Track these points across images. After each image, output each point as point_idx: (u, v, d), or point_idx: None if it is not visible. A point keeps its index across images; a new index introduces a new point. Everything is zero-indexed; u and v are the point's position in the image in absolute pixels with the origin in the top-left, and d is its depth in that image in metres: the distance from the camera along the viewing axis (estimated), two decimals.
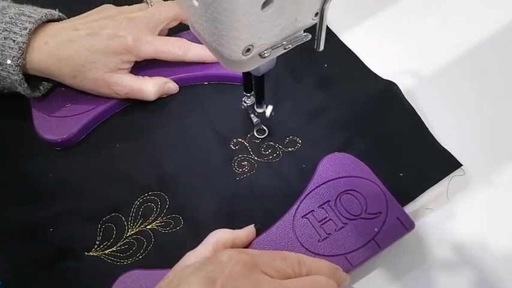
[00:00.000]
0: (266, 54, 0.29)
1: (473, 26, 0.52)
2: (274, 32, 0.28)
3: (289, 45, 0.30)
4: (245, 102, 0.41)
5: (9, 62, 0.39)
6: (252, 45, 0.27)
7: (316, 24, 0.29)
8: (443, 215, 0.40)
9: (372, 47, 0.50)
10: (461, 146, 0.43)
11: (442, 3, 0.55)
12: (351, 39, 0.51)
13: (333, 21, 0.52)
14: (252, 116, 0.43)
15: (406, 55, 0.50)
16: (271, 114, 0.41)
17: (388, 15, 0.54)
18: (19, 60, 0.39)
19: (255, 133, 0.44)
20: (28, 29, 0.39)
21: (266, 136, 0.44)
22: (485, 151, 0.44)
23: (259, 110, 0.41)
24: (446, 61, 0.50)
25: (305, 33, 0.30)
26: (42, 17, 0.41)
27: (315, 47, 0.30)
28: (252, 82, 0.38)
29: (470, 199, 0.41)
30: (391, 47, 0.51)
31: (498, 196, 0.41)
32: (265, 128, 0.44)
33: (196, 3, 0.26)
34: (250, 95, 0.41)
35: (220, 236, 0.34)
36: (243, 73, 0.38)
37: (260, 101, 0.40)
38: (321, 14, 0.27)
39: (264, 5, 0.26)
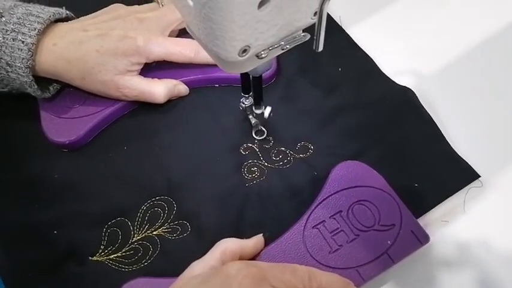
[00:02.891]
0: (263, 55, 0.28)
1: (496, 24, 0.50)
2: (271, 32, 0.27)
3: (287, 46, 0.29)
4: (243, 103, 0.40)
5: (18, 63, 0.38)
6: (248, 46, 0.27)
7: (315, 23, 0.28)
8: (458, 227, 0.39)
9: (386, 49, 0.49)
10: (479, 156, 0.41)
11: None
12: (362, 37, 0.49)
13: (343, 17, 0.51)
14: (250, 117, 0.42)
15: (421, 61, 0.49)
16: (269, 115, 0.40)
17: (404, 12, 0.52)
18: (29, 62, 0.38)
19: (253, 134, 0.43)
20: (37, 30, 0.38)
21: (277, 141, 0.43)
22: (504, 162, 0.42)
23: (258, 111, 0.40)
24: (466, 67, 0.48)
25: (304, 33, 0.29)
26: (50, 16, 0.40)
27: (314, 47, 0.28)
28: (250, 82, 0.37)
29: (488, 211, 0.40)
30: (405, 50, 0.49)
31: None
32: (263, 129, 0.43)
33: (191, 3, 0.25)
34: (249, 96, 0.40)
35: (228, 245, 0.33)
36: (241, 74, 0.37)
37: (258, 102, 0.39)
38: (319, 13, 0.26)
39: (261, 4, 0.25)
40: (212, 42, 0.26)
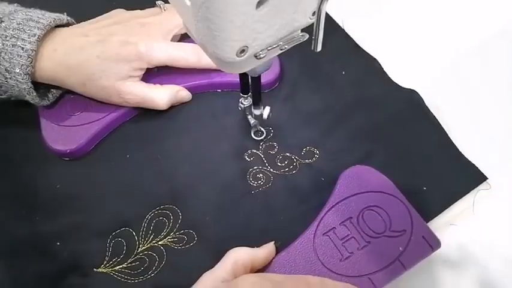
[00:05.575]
0: (262, 55, 0.28)
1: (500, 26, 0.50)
2: (269, 32, 0.27)
3: (286, 46, 0.29)
4: (242, 104, 0.40)
5: (17, 70, 0.37)
6: (246, 46, 0.26)
7: (313, 23, 0.28)
8: (468, 231, 0.39)
9: (390, 51, 0.48)
10: (487, 158, 0.41)
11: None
12: (366, 40, 0.49)
13: (346, 20, 0.50)
14: (249, 117, 0.41)
15: (427, 62, 0.48)
16: (268, 116, 0.40)
17: (408, 13, 0.52)
18: (28, 69, 0.37)
19: (252, 135, 0.43)
20: (37, 36, 0.37)
21: (281, 147, 0.42)
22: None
23: (257, 112, 0.40)
24: (471, 68, 0.48)
25: (302, 33, 0.29)
26: (50, 22, 0.39)
27: (313, 47, 0.28)
28: (249, 82, 0.37)
29: (497, 214, 0.39)
30: (410, 51, 0.49)
31: None
32: (262, 129, 0.42)
33: (188, 3, 0.25)
34: (247, 96, 0.39)
35: (239, 255, 0.33)
36: (240, 74, 0.36)
37: (257, 102, 0.39)
38: (318, 13, 0.26)
39: (259, 4, 0.24)
40: (210, 43, 0.26)
